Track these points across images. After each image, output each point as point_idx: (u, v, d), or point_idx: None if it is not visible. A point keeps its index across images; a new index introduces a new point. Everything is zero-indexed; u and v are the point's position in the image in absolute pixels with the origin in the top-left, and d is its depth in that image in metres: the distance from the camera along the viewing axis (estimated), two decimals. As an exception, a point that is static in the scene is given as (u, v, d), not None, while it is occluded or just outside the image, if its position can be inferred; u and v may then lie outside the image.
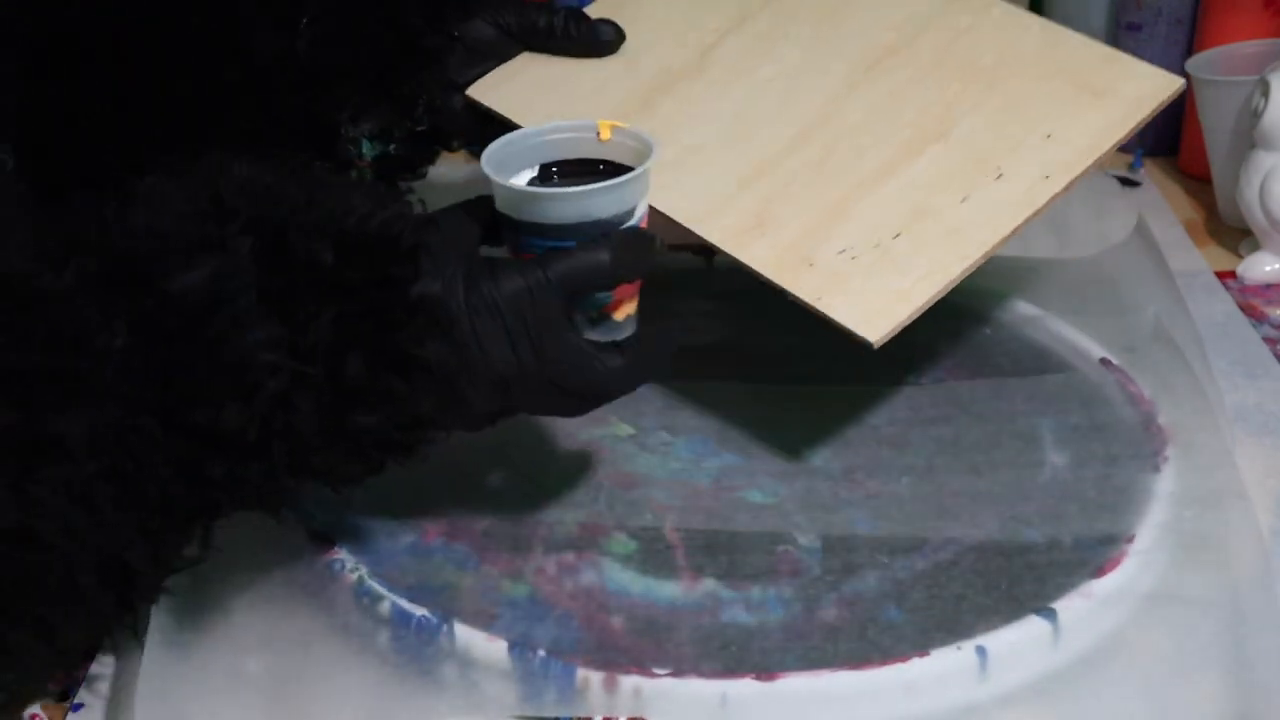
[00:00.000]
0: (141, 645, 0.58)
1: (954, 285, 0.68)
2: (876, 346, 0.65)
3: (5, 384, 0.49)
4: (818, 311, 0.67)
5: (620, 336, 0.63)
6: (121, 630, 0.56)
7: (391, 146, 0.77)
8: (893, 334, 0.66)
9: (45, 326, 0.50)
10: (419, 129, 0.78)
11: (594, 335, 0.62)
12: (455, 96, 0.80)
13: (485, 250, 0.63)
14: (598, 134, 0.64)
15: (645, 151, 0.63)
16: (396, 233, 0.56)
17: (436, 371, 0.57)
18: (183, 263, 0.53)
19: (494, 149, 0.63)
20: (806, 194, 0.72)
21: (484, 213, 0.63)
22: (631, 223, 0.61)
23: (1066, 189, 0.71)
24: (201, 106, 0.71)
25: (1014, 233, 0.70)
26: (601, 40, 0.81)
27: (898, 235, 0.69)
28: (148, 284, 0.53)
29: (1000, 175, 0.71)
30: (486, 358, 0.58)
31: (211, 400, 0.52)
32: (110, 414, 0.51)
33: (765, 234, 0.70)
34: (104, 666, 0.63)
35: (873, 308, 0.66)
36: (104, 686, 0.62)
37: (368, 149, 0.76)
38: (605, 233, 0.60)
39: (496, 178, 0.61)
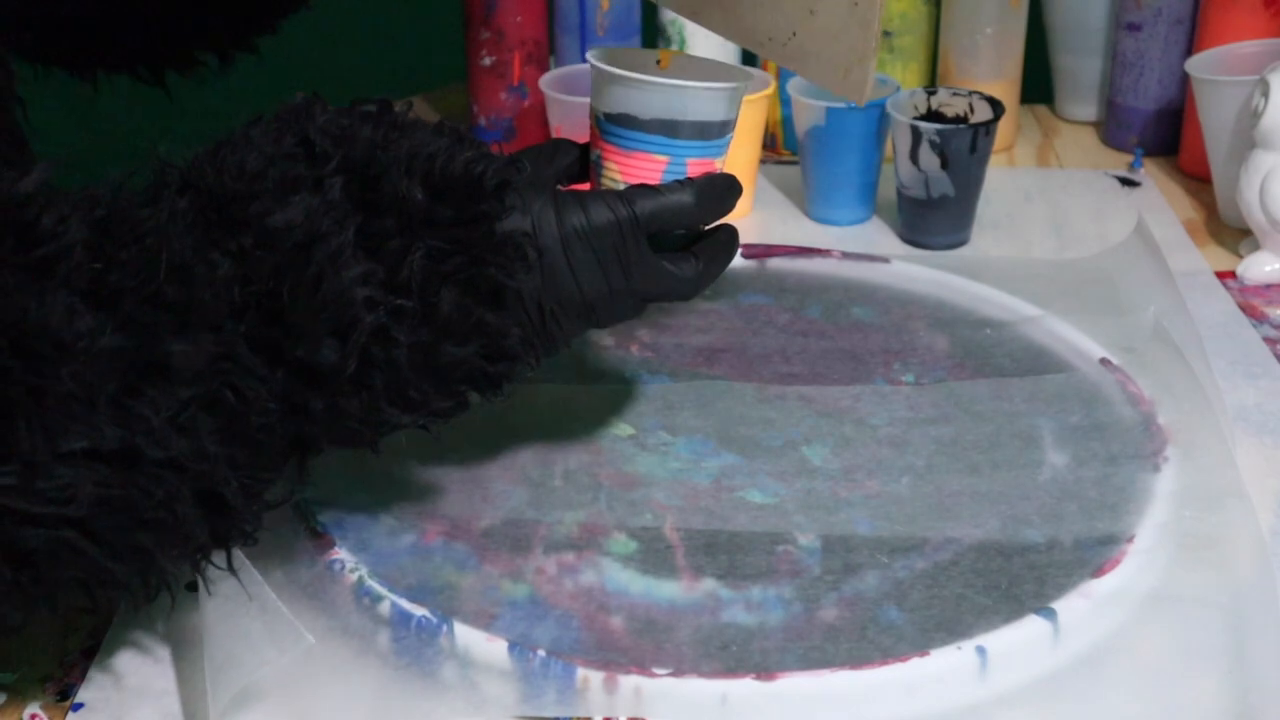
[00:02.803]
0: (240, 582, 0.59)
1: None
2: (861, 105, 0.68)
3: (113, 307, 0.51)
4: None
5: None
6: (206, 567, 0.58)
7: None
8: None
9: (147, 256, 0.52)
10: None
11: None
12: None
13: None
14: (658, 61, 0.67)
15: (722, 74, 0.66)
16: (481, 171, 0.58)
17: (527, 301, 0.60)
18: (279, 201, 0.55)
19: (597, 52, 0.66)
20: None
21: (563, 155, 0.67)
22: (723, 139, 0.65)
23: None
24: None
25: None
26: None
27: None
28: (244, 222, 0.54)
29: None
30: (579, 284, 0.61)
31: (311, 336, 0.54)
32: (211, 343, 0.52)
33: None
34: (105, 667, 0.63)
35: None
36: (104, 687, 0.62)
37: None
38: (694, 137, 0.64)
39: (608, 67, 0.64)
